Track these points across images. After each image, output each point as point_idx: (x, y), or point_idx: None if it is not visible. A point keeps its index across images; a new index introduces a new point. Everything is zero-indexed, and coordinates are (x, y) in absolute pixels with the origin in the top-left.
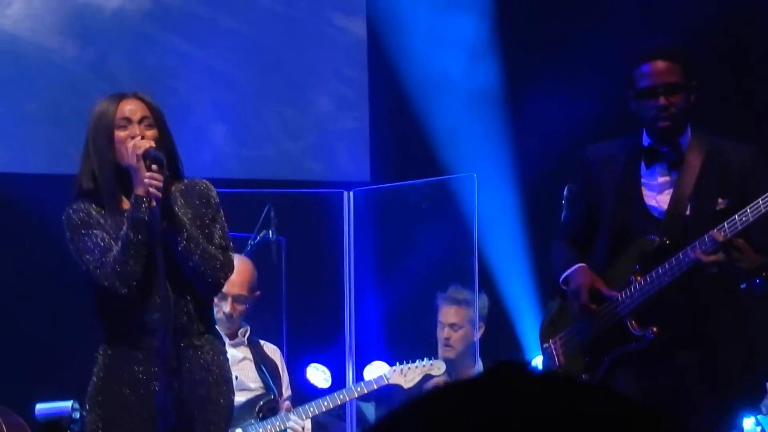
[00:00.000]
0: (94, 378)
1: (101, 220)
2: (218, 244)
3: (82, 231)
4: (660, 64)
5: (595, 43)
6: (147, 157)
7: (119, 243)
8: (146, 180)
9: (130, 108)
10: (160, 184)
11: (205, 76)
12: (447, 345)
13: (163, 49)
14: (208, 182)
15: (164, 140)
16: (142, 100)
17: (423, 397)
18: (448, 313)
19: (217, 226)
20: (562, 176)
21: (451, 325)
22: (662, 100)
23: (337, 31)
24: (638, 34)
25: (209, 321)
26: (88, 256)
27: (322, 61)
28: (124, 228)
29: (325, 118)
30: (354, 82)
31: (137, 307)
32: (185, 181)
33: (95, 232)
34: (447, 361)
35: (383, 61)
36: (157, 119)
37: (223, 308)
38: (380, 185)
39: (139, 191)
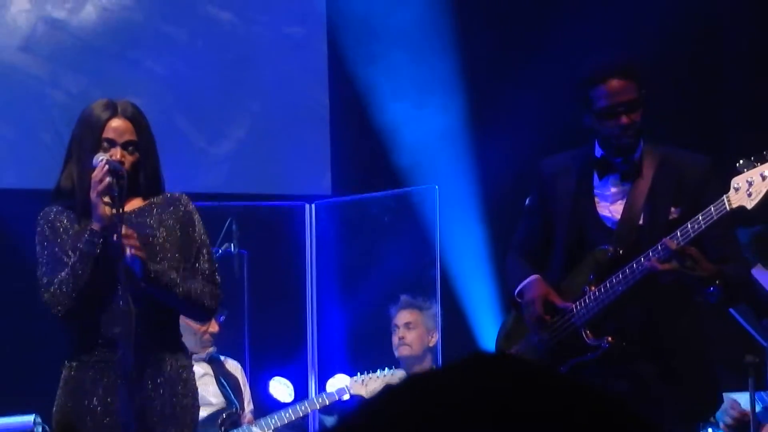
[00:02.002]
0: (60, 391)
1: (68, 227)
2: (205, 274)
3: (45, 241)
4: (617, 83)
5: (557, 54)
6: (109, 173)
7: (67, 270)
8: (124, 242)
9: (117, 127)
10: (137, 243)
11: (165, 91)
12: (402, 344)
13: (121, 63)
14: (186, 196)
15: (146, 162)
16: (133, 120)
17: (397, 387)
18: (402, 316)
19: (204, 251)
20: (524, 187)
21: (406, 324)
22: (624, 119)
23: (297, 44)
24: (595, 47)
25: (175, 336)
26: (41, 269)
27: (282, 74)
28: (75, 257)
29: (286, 131)
30: (314, 94)
31: (99, 320)
32: (167, 195)
33: (55, 248)
34: (404, 359)
35: (344, 73)
36: (143, 140)
37: (209, 329)
38: (342, 197)
39: (95, 226)
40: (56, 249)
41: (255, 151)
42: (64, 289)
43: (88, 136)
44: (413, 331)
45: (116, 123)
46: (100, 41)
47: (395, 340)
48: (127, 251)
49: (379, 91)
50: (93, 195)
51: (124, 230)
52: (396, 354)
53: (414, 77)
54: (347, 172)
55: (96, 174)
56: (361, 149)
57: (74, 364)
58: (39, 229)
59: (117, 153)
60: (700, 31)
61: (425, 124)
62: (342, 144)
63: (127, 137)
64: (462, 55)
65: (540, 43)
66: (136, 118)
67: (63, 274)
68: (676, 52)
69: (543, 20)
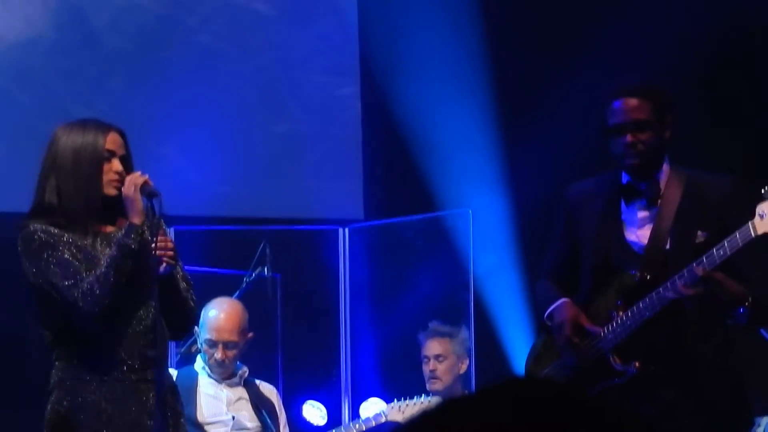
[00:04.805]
0: (57, 407)
1: (66, 239)
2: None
3: (49, 251)
4: (629, 102)
5: (591, 76)
6: (144, 191)
7: (104, 264)
8: (159, 251)
9: (116, 140)
10: (173, 253)
11: (198, 116)
12: (434, 377)
13: (154, 87)
14: None
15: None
16: (123, 137)
17: (433, 411)
18: (432, 346)
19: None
20: (557, 210)
21: (436, 357)
22: (629, 138)
23: (330, 67)
24: (627, 70)
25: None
26: (57, 276)
27: (315, 97)
28: (113, 251)
29: (319, 155)
30: (347, 118)
31: (111, 338)
32: None
33: (63, 254)
34: (436, 393)
35: (376, 96)
36: (130, 158)
37: (214, 355)
38: (375, 221)
39: (135, 220)
40: (64, 257)
41: (288, 175)
42: (103, 284)
43: (90, 153)
44: (444, 363)
45: (114, 137)
46: (125, 66)
47: (426, 371)
48: (162, 266)
49: (411, 115)
50: (131, 192)
51: (161, 238)
52: (428, 387)
53: (447, 102)
54: (380, 196)
55: (127, 189)
56: (394, 173)
57: (69, 380)
58: (33, 246)
59: (117, 164)
60: (731, 45)
61: (458, 147)
62: (375, 168)
63: (122, 152)
64: (496, 81)
65: (575, 67)
66: (125, 137)
67: (97, 272)
68: (706, 68)
69: (577, 43)
